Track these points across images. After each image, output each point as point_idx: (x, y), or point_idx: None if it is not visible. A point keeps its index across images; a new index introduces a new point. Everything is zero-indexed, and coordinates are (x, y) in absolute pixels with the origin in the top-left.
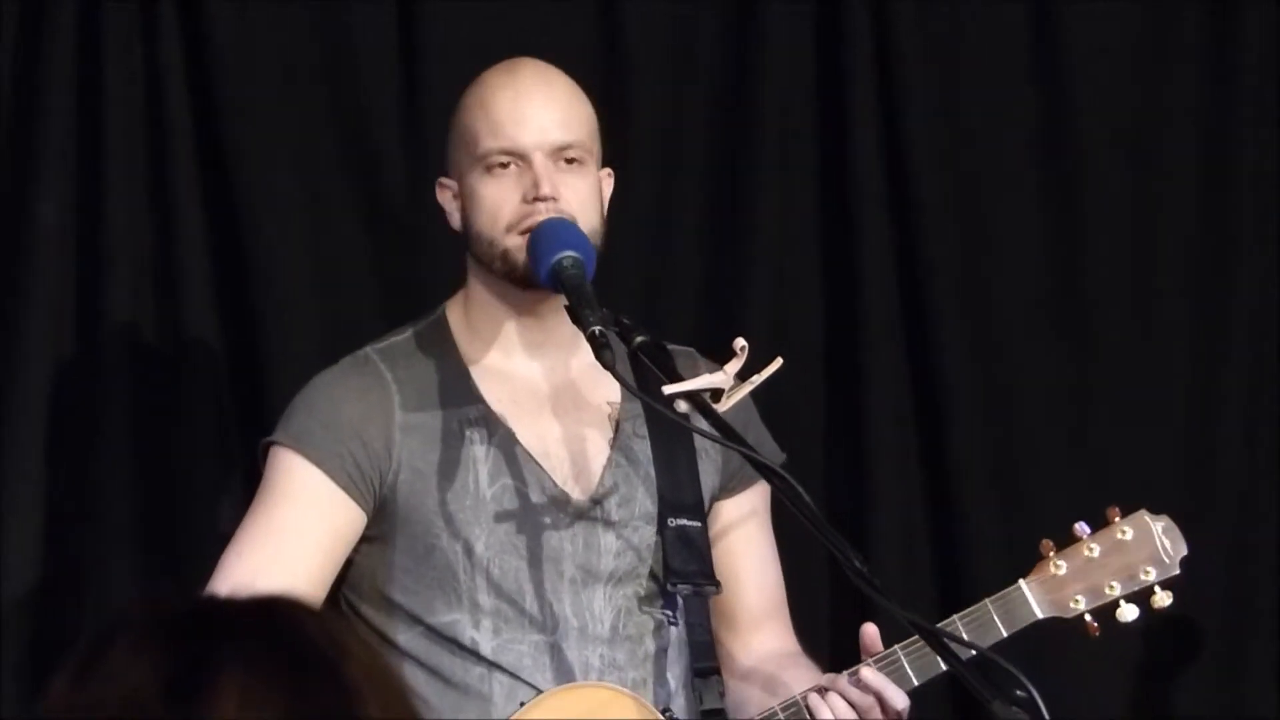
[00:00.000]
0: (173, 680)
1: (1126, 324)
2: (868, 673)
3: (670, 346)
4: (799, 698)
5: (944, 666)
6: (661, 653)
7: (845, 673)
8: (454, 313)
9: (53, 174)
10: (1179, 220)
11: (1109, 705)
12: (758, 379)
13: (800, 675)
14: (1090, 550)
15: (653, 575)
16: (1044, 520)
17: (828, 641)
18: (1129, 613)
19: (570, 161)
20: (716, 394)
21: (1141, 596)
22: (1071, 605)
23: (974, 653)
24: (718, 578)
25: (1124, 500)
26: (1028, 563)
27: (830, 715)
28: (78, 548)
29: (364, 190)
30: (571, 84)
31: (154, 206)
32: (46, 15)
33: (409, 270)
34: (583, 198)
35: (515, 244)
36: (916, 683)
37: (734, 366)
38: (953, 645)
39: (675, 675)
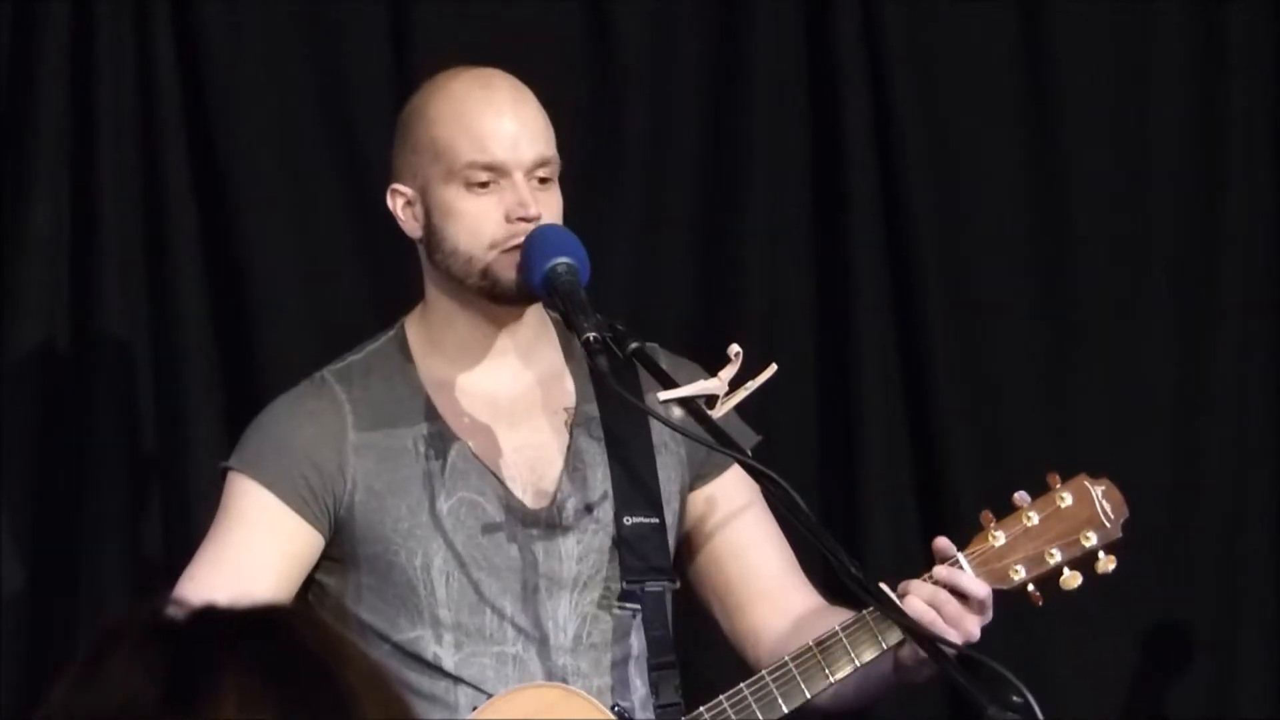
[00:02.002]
0: (171, 688)
1: (1114, 312)
2: (941, 570)
3: (673, 358)
4: (866, 612)
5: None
6: (626, 656)
7: (923, 576)
8: (413, 327)
9: (45, 171)
10: (1164, 208)
11: (1099, 706)
12: (752, 385)
13: (836, 619)
14: (1029, 519)
15: (614, 577)
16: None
17: None
18: (1073, 580)
19: (544, 181)
20: (711, 400)
21: (1085, 562)
22: (1011, 575)
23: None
24: (723, 559)
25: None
26: None
27: (918, 600)
28: (70, 545)
29: (356, 186)
30: (535, 99)
31: (146, 203)
32: (38, 11)
33: (400, 267)
34: (555, 214)
35: (500, 261)
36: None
37: (728, 372)
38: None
39: (641, 673)
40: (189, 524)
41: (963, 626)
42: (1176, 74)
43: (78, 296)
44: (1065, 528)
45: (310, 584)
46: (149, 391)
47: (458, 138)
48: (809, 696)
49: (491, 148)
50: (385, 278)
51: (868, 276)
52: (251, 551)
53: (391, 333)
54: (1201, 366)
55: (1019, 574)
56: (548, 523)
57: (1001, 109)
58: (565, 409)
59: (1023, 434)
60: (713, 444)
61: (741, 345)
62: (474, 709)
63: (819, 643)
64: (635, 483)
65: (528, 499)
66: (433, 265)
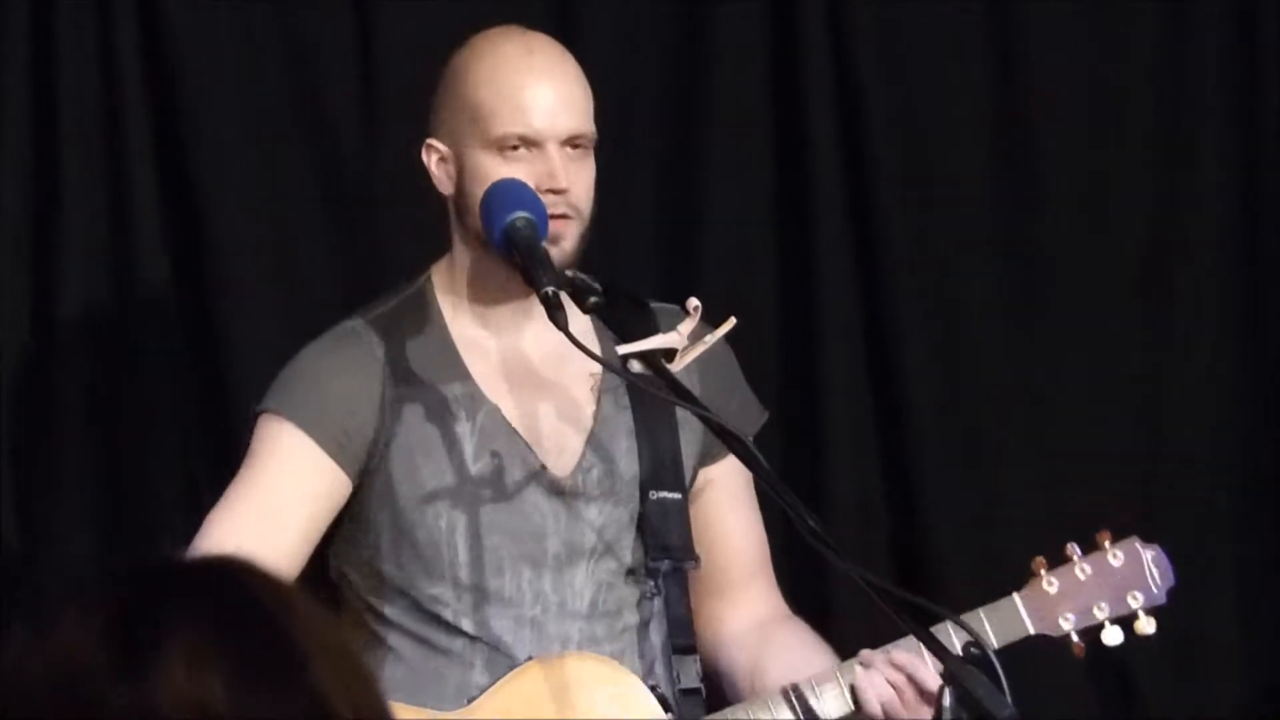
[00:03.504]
0: (120, 645)
1: (1085, 291)
2: (898, 654)
3: (653, 305)
4: (836, 670)
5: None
6: (642, 626)
7: (880, 650)
8: (438, 280)
9: (6, 153)
10: (1135, 195)
11: (1066, 702)
12: (711, 339)
13: (797, 638)
14: (1083, 572)
15: (635, 548)
16: (1000, 484)
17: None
18: (1113, 636)
19: (576, 148)
20: (670, 354)
21: (1126, 621)
22: (1061, 623)
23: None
24: (704, 541)
25: (1081, 470)
26: (983, 531)
27: (874, 695)
28: (38, 524)
29: (322, 164)
30: (578, 67)
31: (109, 184)
32: None
33: (367, 244)
34: (586, 186)
35: None
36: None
37: (687, 326)
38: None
39: (653, 648)
40: (157, 502)
41: (915, 711)
42: (1147, 63)
43: (40, 282)
44: (1114, 585)
45: (331, 536)
46: (114, 369)
47: (496, 104)
48: None
49: (528, 118)
50: (352, 252)
51: (830, 237)
52: (283, 491)
53: (418, 284)
54: (1170, 356)
55: (1068, 623)
56: (572, 490)
57: (966, 72)
58: (592, 375)
59: (992, 400)
60: (677, 401)
61: (701, 302)
62: (489, 666)
63: (793, 688)
64: (660, 457)
65: (553, 464)
66: (461, 224)
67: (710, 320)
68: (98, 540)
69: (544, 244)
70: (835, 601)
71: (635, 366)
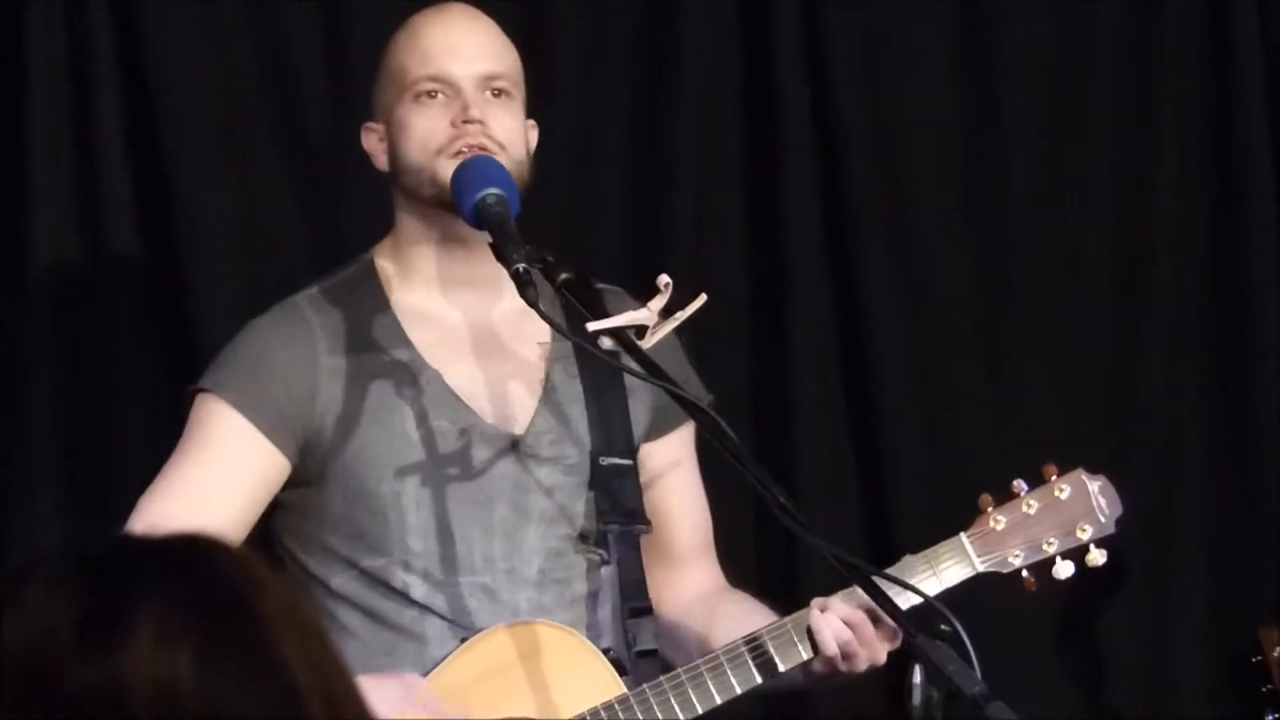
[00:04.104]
0: (88, 619)
1: (1050, 265)
2: (858, 594)
3: (599, 285)
4: (789, 620)
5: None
6: (591, 594)
7: (840, 593)
8: (382, 256)
9: None
10: (1099, 172)
11: (1035, 647)
12: (682, 315)
13: (742, 608)
14: (1029, 506)
15: (586, 514)
16: (969, 457)
17: (753, 578)
18: (1064, 569)
19: (498, 94)
20: (641, 330)
21: (1077, 554)
22: (1011, 560)
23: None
24: (648, 517)
25: (1048, 441)
26: (952, 502)
27: (830, 633)
28: (4, 490)
29: (288, 132)
30: (498, 27)
31: (77, 148)
32: None
33: (333, 212)
34: (509, 128)
35: (445, 167)
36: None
37: (658, 303)
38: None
39: (604, 616)
40: (124, 461)
41: (873, 649)
42: (1113, 52)
43: (6, 236)
44: (1062, 518)
45: (275, 509)
46: (81, 330)
47: (408, 56)
48: (738, 693)
49: (436, 58)
50: (318, 220)
51: (799, 210)
52: (216, 473)
53: (362, 261)
54: (1135, 327)
55: (1017, 559)
56: (521, 454)
57: (934, 43)
58: (540, 344)
59: (960, 373)
60: (647, 377)
61: (672, 278)
62: (442, 638)
63: (748, 641)
64: (610, 424)
65: (500, 429)
66: (399, 191)
67: (678, 299)
68: (66, 518)
69: (514, 221)
70: (804, 577)
71: (606, 343)
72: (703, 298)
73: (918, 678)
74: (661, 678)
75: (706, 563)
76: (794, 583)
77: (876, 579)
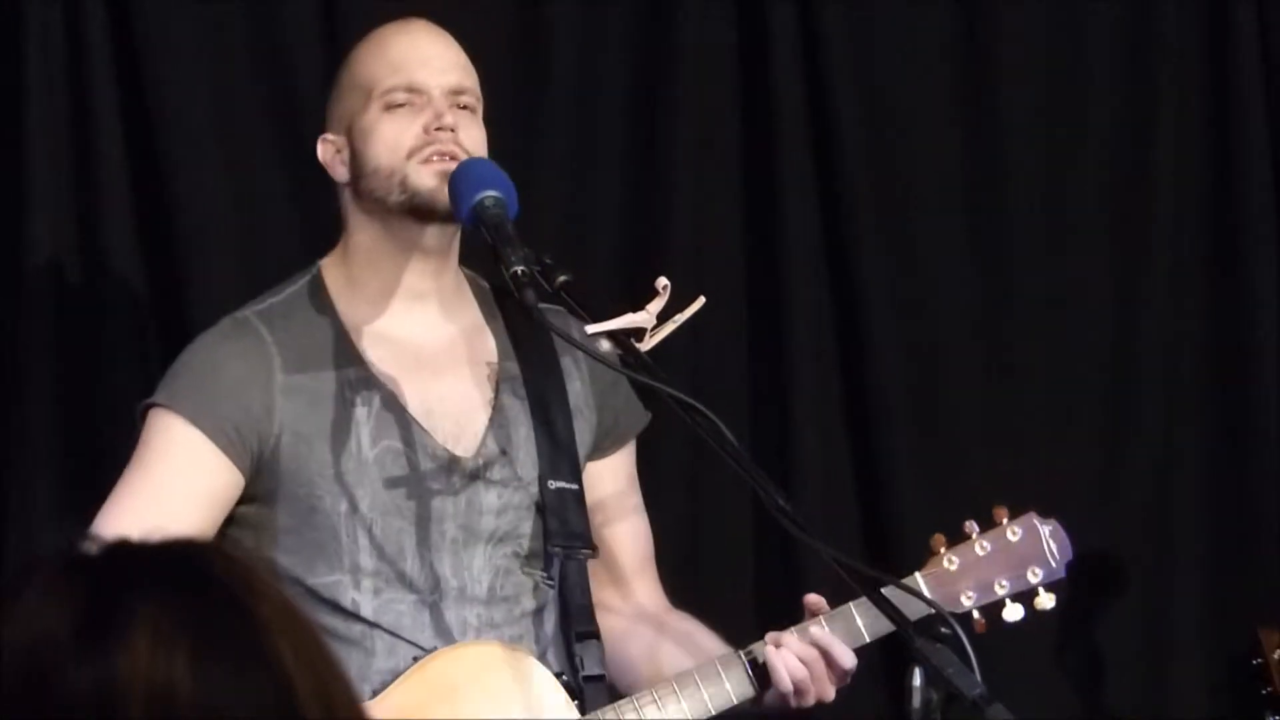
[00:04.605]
0: (84, 622)
1: (1048, 265)
2: (816, 630)
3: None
4: (742, 654)
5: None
6: (538, 613)
7: (794, 629)
8: (330, 271)
9: None
10: (1098, 172)
11: (1034, 648)
12: (680, 318)
13: (687, 629)
14: (982, 548)
15: (533, 535)
16: (968, 458)
17: (752, 580)
18: (1013, 613)
19: (464, 108)
20: (639, 333)
21: (1026, 597)
22: (963, 600)
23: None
24: (594, 536)
25: (1047, 442)
26: (949, 503)
27: (785, 671)
28: (1, 495)
29: (287, 134)
30: (457, 43)
31: (75, 152)
32: None
33: (332, 214)
34: (475, 139)
35: (417, 171)
36: (868, 638)
37: (656, 306)
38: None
39: (547, 636)
40: (122, 462)
41: (823, 687)
42: (1112, 50)
43: (5, 237)
44: (1013, 561)
45: (227, 524)
46: (79, 332)
47: (377, 66)
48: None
49: (408, 68)
50: (313, 214)
51: (797, 210)
52: (171, 489)
53: (308, 276)
54: (1133, 332)
55: (970, 599)
56: (470, 474)
57: (931, 31)
58: (489, 364)
59: (955, 372)
60: (646, 379)
61: (669, 280)
62: (390, 652)
63: (700, 672)
64: (558, 447)
65: (450, 449)
66: (358, 199)
67: (676, 302)
68: (63, 522)
69: (512, 223)
70: (803, 579)
71: (604, 346)
72: (701, 300)
73: (917, 680)
74: (616, 704)
75: (649, 581)
76: (793, 585)
77: (882, 586)
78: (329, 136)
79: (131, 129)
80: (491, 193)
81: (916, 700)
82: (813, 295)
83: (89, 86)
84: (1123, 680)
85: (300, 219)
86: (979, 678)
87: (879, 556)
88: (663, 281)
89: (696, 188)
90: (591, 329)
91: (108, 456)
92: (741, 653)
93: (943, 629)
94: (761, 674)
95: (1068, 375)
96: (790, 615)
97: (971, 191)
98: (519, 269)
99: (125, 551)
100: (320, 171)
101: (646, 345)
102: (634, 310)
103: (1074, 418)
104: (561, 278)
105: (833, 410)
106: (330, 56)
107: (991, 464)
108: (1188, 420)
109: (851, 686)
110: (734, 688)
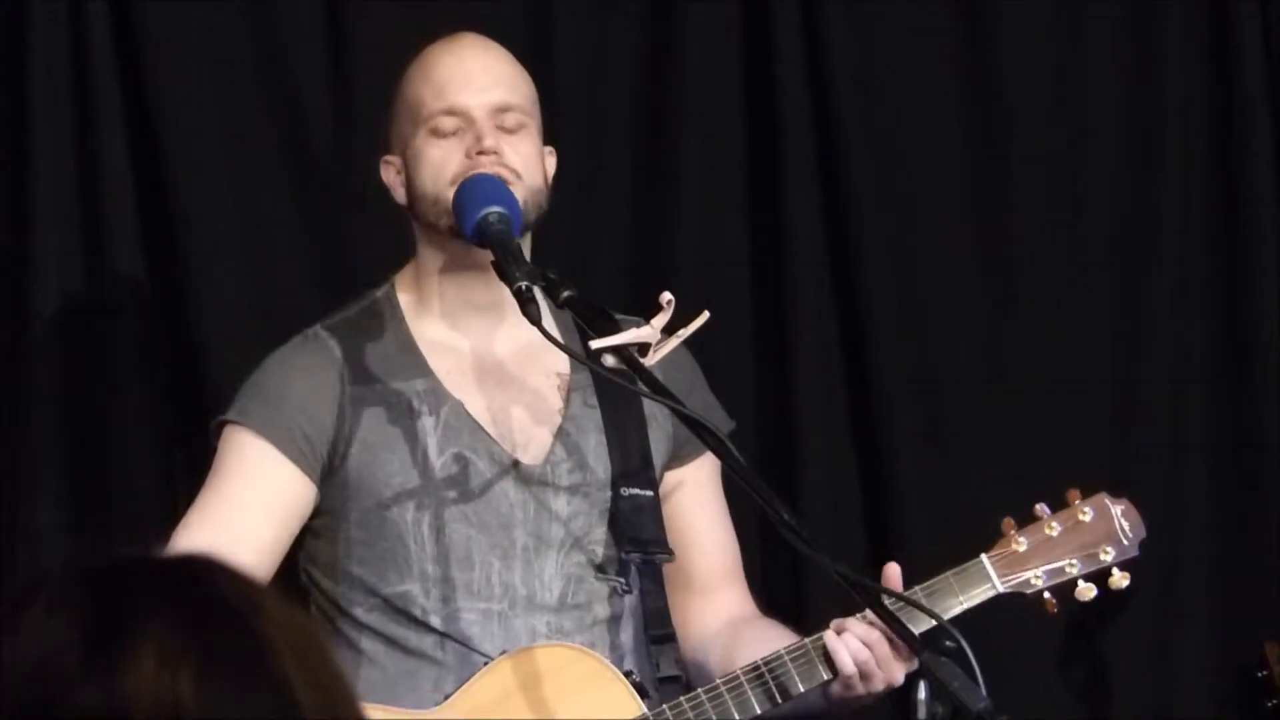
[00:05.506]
0: (90, 640)
1: (1054, 274)
2: (874, 615)
3: (620, 316)
4: (809, 641)
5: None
6: (613, 620)
7: (857, 615)
8: (402, 285)
9: None
10: (1102, 175)
11: (1039, 662)
12: (685, 332)
13: (767, 634)
14: (1051, 529)
15: (606, 542)
16: (973, 469)
17: (761, 595)
18: (1087, 592)
19: (511, 130)
20: (644, 348)
21: (1099, 576)
22: (1033, 581)
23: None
24: (672, 544)
25: (1052, 452)
26: (955, 513)
27: (847, 654)
28: (8, 509)
29: (294, 152)
30: (512, 57)
31: (81, 167)
32: None
33: (337, 226)
34: (525, 155)
35: None
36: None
37: (660, 320)
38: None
39: (625, 641)
40: (127, 486)
41: (890, 670)
42: (1116, 55)
43: (11, 258)
44: (1085, 541)
45: (298, 539)
46: (87, 373)
47: (423, 90)
48: (757, 712)
49: (450, 91)
50: (323, 243)
51: (803, 226)
52: (249, 502)
53: (381, 291)
54: (1137, 332)
55: (1039, 581)
56: (539, 482)
57: (937, 45)
58: (559, 374)
59: (962, 384)
60: (651, 395)
61: (674, 295)
62: (462, 664)
63: (768, 662)
64: (631, 455)
65: (520, 458)
66: (417, 222)
67: (681, 317)
68: (69, 538)
69: (518, 239)
70: (809, 595)
71: (609, 361)
72: (705, 315)
73: (923, 694)
74: (681, 698)
75: (733, 589)
76: (802, 600)
77: (885, 598)
78: (389, 158)
79: (135, 139)
80: (495, 209)
81: (922, 714)
82: (818, 306)
83: (93, 98)
84: (1128, 692)
85: (305, 228)
86: (984, 691)
87: (885, 562)
88: (667, 296)
89: (701, 200)
90: (596, 344)
91: (113, 470)
92: (808, 641)
93: (948, 642)
94: (829, 662)
95: (1073, 386)
96: (798, 628)
97: (977, 201)
98: (522, 285)
99: (130, 569)
100: (326, 178)
101: (651, 360)
102: (639, 325)
103: (1079, 425)
104: (566, 293)
105: (838, 421)
106: (334, 64)
107: (995, 474)
108: (1194, 431)
109: (869, 704)
110: (800, 676)
